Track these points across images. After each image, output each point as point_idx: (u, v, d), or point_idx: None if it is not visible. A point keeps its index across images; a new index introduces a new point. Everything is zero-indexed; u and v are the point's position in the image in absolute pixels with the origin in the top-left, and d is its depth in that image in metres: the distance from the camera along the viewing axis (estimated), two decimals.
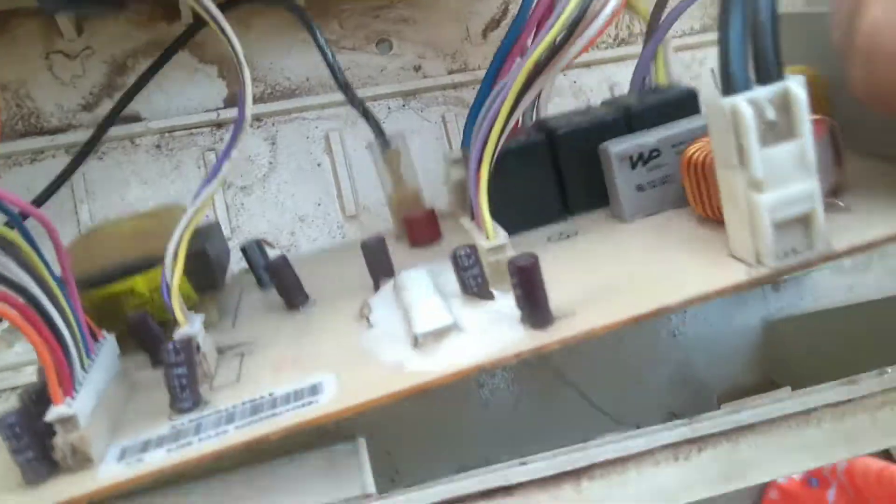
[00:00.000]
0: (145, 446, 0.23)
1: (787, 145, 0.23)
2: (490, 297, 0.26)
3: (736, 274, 0.24)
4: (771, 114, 0.22)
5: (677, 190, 0.30)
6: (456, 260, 0.27)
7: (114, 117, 0.40)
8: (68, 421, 0.23)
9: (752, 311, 0.44)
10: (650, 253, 0.27)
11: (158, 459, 0.22)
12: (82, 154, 0.40)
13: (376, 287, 0.31)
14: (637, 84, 0.35)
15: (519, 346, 0.23)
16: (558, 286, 0.25)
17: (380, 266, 0.31)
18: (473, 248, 0.27)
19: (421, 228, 0.35)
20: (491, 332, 0.24)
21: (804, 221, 0.23)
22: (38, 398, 0.24)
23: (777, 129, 0.23)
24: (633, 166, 0.30)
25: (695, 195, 0.28)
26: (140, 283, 0.30)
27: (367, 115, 0.37)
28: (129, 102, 0.40)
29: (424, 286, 0.28)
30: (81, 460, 0.23)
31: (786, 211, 0.23)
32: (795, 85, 0.22)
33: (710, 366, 0.43)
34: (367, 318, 0.28)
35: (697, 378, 0.43)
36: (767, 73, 0.23)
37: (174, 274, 0.27)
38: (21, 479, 0.23)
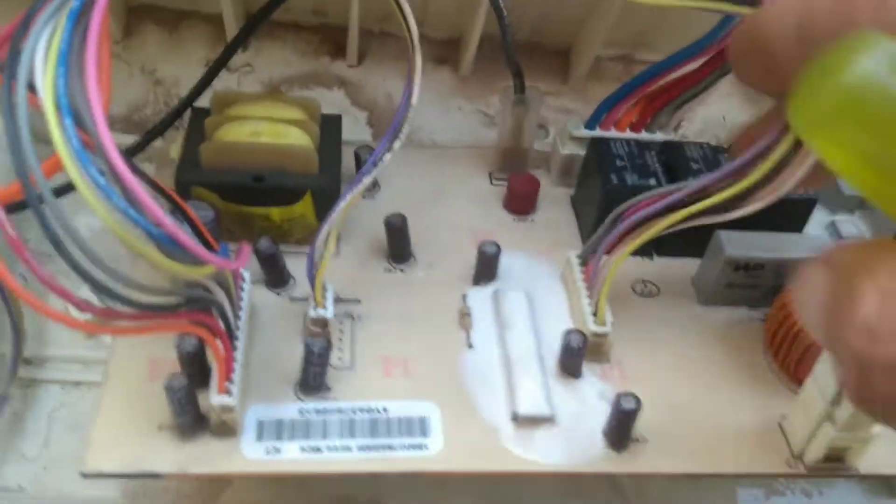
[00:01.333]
0: (279, 430, 0.28)
1: None
2: (579, 374, 0.31)
3: (776, 465, 0.29)
4: None
5: (758, 296, 0.34)
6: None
7: None
8: (226, 407, 0.27)
9: None
10: (717, 378, 0.32)
11: (293, 457, 0.28)
12: None
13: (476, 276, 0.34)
14: None
15: (596, 466, 0.28)
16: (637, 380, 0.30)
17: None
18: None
19: (519, 196, 0.37)
20: (577, 437, 0.29)
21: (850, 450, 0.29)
22: (195, 364, 0.28)
23: None
24: (736, 269, 0.33)
25: (775, 346, 0.32)
26: (276, 213, 0.32)
27: (517, 69, 0.36)
28: None
29: (525, 326, 0.32)
30: (228, 431, 0.28)
31: (843, 443, 0.28)
32: None
33: None
34: (468, 332, 0.32)
35: None
36: None
37: (322, 262, 0.29)
38: (173, 433, 0.28)
